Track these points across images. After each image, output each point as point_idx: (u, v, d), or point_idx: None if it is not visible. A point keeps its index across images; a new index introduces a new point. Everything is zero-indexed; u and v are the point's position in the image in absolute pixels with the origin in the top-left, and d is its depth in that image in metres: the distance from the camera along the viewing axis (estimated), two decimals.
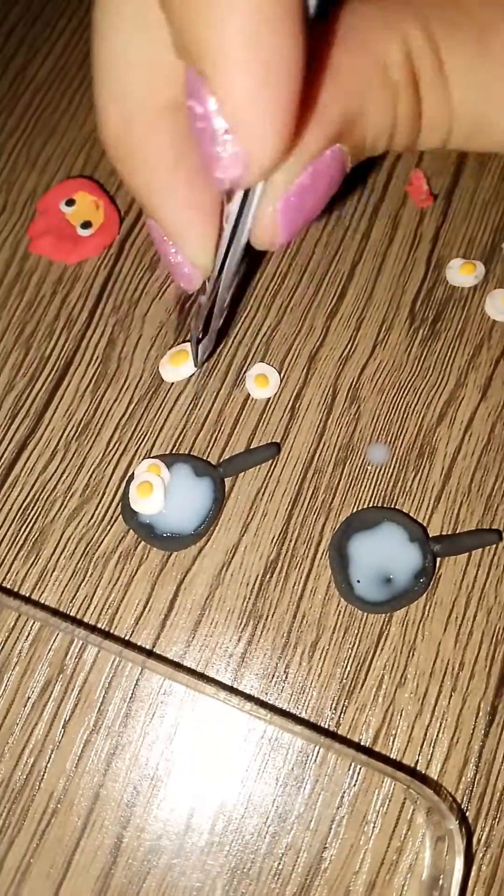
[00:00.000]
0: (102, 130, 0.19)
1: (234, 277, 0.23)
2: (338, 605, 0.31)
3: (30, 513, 0.32)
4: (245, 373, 0.34)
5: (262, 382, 0.34)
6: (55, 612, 0.31)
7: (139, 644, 0.31)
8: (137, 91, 0.18)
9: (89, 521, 0.32)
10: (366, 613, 0.31)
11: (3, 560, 0.32)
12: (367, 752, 0.29)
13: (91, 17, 0.18)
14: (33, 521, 0.32)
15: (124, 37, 0.17)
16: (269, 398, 0.34)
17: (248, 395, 0.34)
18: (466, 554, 0.32)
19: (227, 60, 0.14)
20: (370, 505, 0.33)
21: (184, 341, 0.35)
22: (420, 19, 0.18)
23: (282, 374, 0.34)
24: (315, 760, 0.29)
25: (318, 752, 0.29)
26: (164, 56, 0.17)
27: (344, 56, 0.18)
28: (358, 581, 0.31)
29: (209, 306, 0.26)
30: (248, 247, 0.21)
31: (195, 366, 0.33)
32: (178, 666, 0.30)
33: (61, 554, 0.32)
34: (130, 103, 0.18)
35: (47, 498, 0.33)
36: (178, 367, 0.34)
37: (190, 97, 0.16)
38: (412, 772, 0.29)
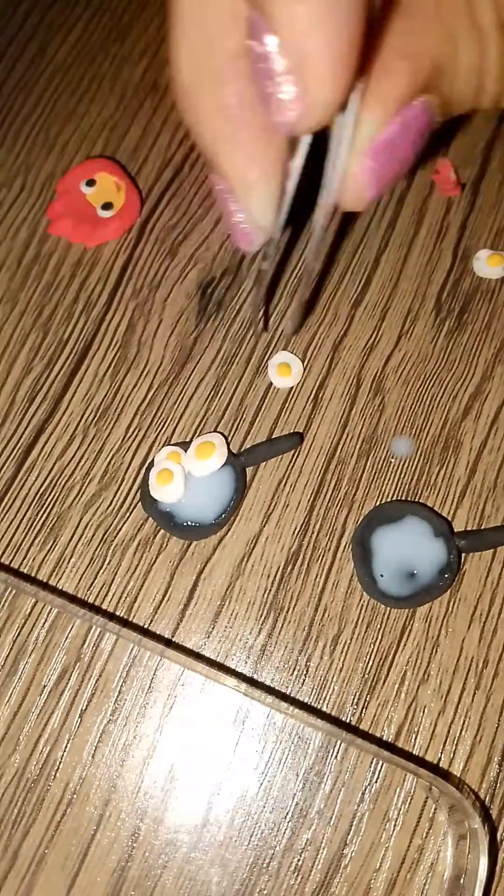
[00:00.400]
0: (175, 77, 0.19)
1: (321, 244, 0.23)
2: (360, 600, 0.30)
3: (47, 498, 0.32)
4: (268, 361, 0.34)
5: (284, 371, 0.33)
6: (73, 599, 0.30)
7: (158, 633, 0.30)
8: (215, 35, 0.18)
9: (107, 508, 0.32)
10: (389, 608, 0.30)
11: (21, 545, 0.31)
12: (390, 748, 0.29)
13: None
14: (51, 506, 0.32)
15: (201, 8, 0.17)
16: (292, 387, 0.34)
17: (271, 383, 0.34)
18: (492, 550, 0.31)
19: (288, 5, 0.14)
20: (394, 498, 0.32)
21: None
22: None
23: (305, 364, 0.34)
24: (336, 756, 0.28)
25: (339, 748, 0.28)
26: (237, 6, 0.17)
27: (430, 1, 0.18)
28: (381, 575, 0.30)
29: (271, 273, 0.25)
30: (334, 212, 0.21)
31: (264, 330, 0.32)
32: (197, 656, 0.30)
33: (79, 540, 0.31)
34: (203, 48, 0.18)
35: (65, 483, 0.32)
36: (205, 460, 0.32)
37: (251, 37, 0.16)
38: (435, 769, 0.28)
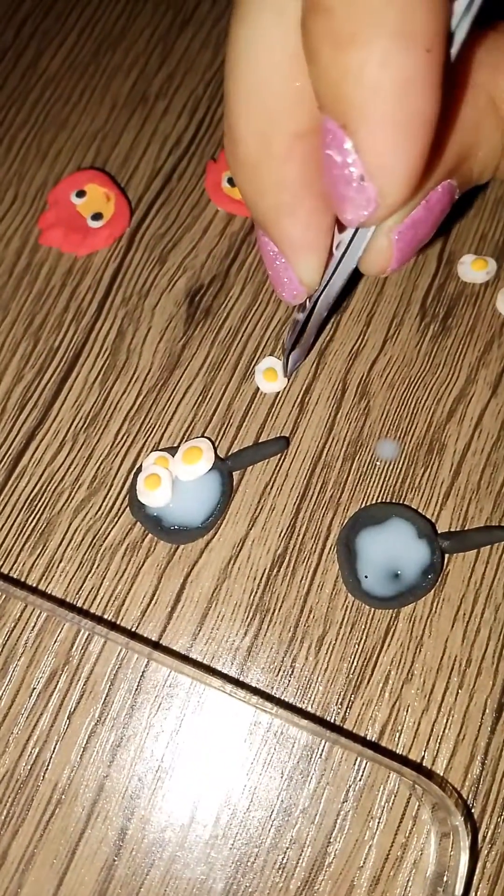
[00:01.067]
0: (236, 149, 0.20)
1: (335, 298, 0.25)
2: (345, 601, 0.31)
3: (37, 504, 0.32)
4: (254, 366, 0.34)
5: (271, 376, 0.34)
6: (61, 603, 0.31)
7: (145, 636, 0.31)
8: (279, 117, 0.19)
9: (96, 513, 0.32)
10: (373, 609, 0.31)
11: (11, 550, 0.32)
12: (373, 747, 0.29)
13: (230, 33, 0.18)
14: (40, 512, 0.32)
15: (270, 64, 0.18)
16: (279, 392, 0.34)
17: (258, 389, 0.34)
18: (475, 551, 0.31)
19: (369, 116, 0.15)
20: (379, 500, 0.32)
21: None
22: None
23: None
24: (321, 755, 0.29)
25: (323, 747, 0.29)
26: (306, 82, 0.18)
27: (458, 97, 0.19)
28: (365, 576, 0.31)
29: (303, 322, 0.27)
30: (353, 272, 0.23)
31: (285, 375, 0.34)
32: (184, 658, 0.30)
33: (68, 545, 0.32)
34: (271, 127, 0.19)
35: (55, 489, 0.33)
36: (192, 465, 0.32)
37: (327, 146, 0.17)
38: (418, 767, 0.29)
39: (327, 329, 0.35)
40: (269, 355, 0.35)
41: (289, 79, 0.18)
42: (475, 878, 0.27)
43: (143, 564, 0.31)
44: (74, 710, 0.29)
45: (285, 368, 0.33)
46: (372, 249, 0.21)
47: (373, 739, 0.29)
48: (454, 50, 0.17)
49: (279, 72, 0.18)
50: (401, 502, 0.32)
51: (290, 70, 0.18)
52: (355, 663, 0.30)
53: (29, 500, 0.32)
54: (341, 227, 0.21)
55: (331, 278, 0.23)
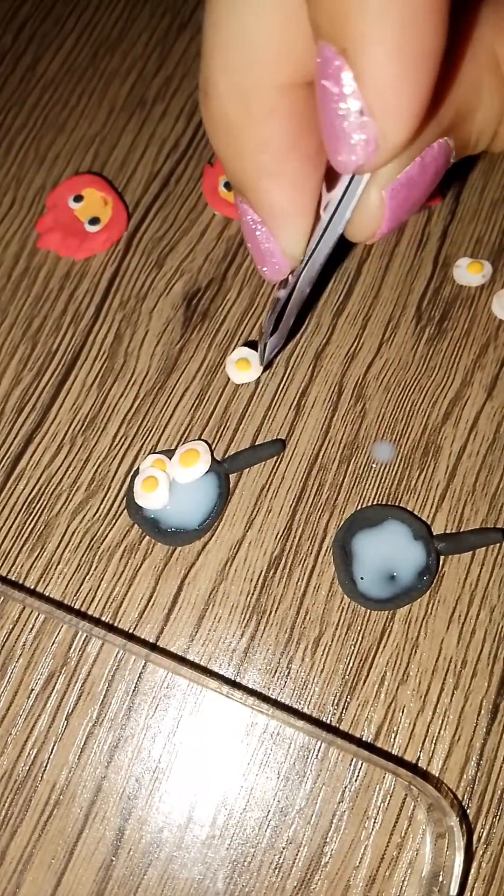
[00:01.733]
0: (211, 106, 0.18)
1: (319, 272, 0.22)
2: (341, 602, 0.31)
3: (35, 506, 0.33)
4: (226, 358, 0.35)
5: (244, 366, 0.34)
6: (59, 605, 0.31)
7: (143, 638, 0.31)
8: (259, 66, 0.17)
9: (94, 515, 0.32)
10: (369, 610, 0.31)
11: (9, 552, 0.32)
12: (369, 747, 0.29)
13: None
14: (38, 514, 0.32)
15: (255, 7, 0.16)
16: (256, 384, 0.34)
17: (255, 390, 0.34)
18: (470, 552, 0.32)
19: (373, 40, 0.14)
20: (374, 503, 0.33)
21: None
22: None
23: (288, 371, 0.35)
24: (317, 755, 0.29)
25: (319, 748, 0.29)
26: (293, 29, 0.16)
27: (459, 53, 0.18)
28: (361, 578, 0.31)
29: (285, 301, 0.25)
30: (338, 241, 0.21)
31: (261, 364, 0.32)
32: (181, 660, 0.30)
33: (66, 547, 0.32)
34: (250, 79, 0.17)
35: (53, 491, 0.33)
36: (189, 467, 0.32)
37: (323, 76, 0.15)
38: (414, 768, 0.29)
39: (324, 331, 0.35)
40: (242, 345, 0.35)
41: (275, 23, 0.16)
42: (470, 878, 0.28)
43: (140, 566, 0.32)
44: (72, 711, 0.29)
45: (261, 356, 0.31)
46: (362, 209, 0.19)
47: (369, 740, 0.29)
48: None
49: (265, 15, 0.16)
50: (396, 504, 0.33)
51: (278, 12, 0.16)
52: (351, 664, 0.30)
53: (27, 503, 0.33)
54: (330, 185, 0.19)
55: (316, 247, 0.21)
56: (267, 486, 0.33)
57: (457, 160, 0.20)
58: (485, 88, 0.19)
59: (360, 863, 0.28)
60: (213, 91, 0.18)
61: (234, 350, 0.34)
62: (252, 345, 0.35)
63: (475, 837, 0.28)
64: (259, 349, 0.31)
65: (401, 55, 0.14)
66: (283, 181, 0.19)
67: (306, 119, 0.18)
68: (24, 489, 0.33)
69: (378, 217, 0.19)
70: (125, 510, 0.32)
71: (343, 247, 0.21)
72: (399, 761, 0.29)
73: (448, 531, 0.32)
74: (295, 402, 0.34)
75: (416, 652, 0.30)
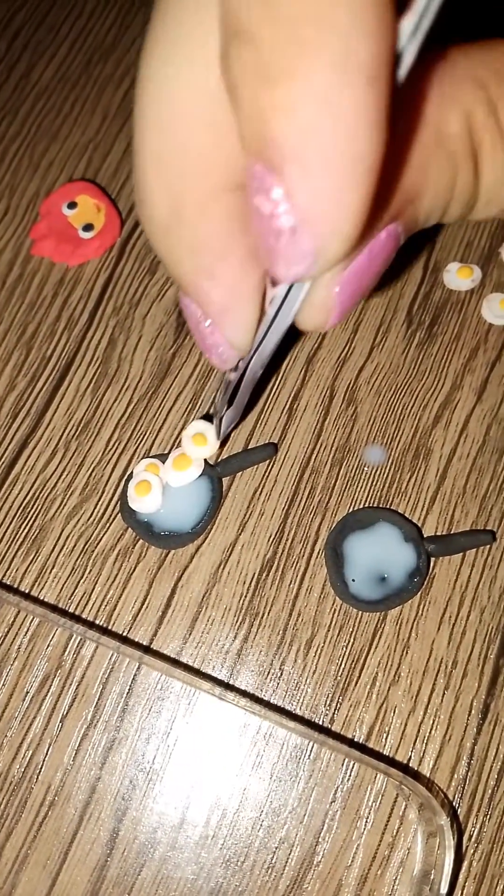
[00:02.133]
0: (146, 209, 0.18)
1: (271, 355, 0.22)
2: (333, 604, 0.31)
3: (30, 510, 0.33)
4: (181, 433, 0.33)
5: (200, 441, 0.32)
6: (54, 608, 0.31)
7: (137, 640, 0.31)
8: (191, 173, 0.17)
9: (88, 519, 0.33)
10: (360, 612, 0.31)
11: (4, 557, 0.32)
12: (361, 748, 0.30)
13: (139, 72, 0.16)
14: (33, 518, 0.33)
15: (185, 109, 0.16)
16: (212, 454, 0.33)
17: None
18: (460, 554, 0.32)
19: (302, 159, 0.14)
20: (366, 505, 0.33)
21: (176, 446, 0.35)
22: (480, 90, 0.17)
23: (279, 376, 0.35)
24: (309, 756, 0.29)
25: (312, 748, 0.29)
26: (224, 138, 0.16)
27: (403, 132, 0.17)
28: (353, 580, 0.31)
29: (237, 382, 0.25)
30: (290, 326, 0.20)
31: (217, 439, 0.31)
32: (174, 662, 0.31)
33: (60, 551, 0.32)
34: (181, 185, 0.17)
35: (47, 496, 0.33)
36: (182, 471, 0.32)
37: (254, 193, 0.15)
38: (405, 768, 0.29)
39: (315, 336, 0.36)
40: (199, 418, 0.34)
41: (206, 125, 0.16)
42: (460, 876, 0.28)
43: (134, 569, 0.32)
44: (67, 713, 0.30)
45: (218, 431, 0.31)
46: (310, 304, 0.19)
47: (360, 741, 0.30)
48: (401, 75, 0.15)
49: (195, 118, 0.16)
50: (388, 507, 0.33)
51: (208, 115, 0.16)
52: (343, 666, 0.31)
53: (22, 507, 0.33)
54: (275, 281, 0.18)
55: (265, 337, 0.21)
56: (259, 489, 0.33)
57: (408, 238, 0.20)
58: (432, 170, 0.18)
59: (351, 862, 0.28)
60: (146, 196, 0.18)
61: (190, 424, 0.33)
62: (208, 418, 0.34)
63: (465, 836, 0.29)
64: (215, 424, 0.30)
65: (334, 174, 0.14)
66: (222, 280, 0.19)
67: (242, 220, 0.18)
68: (18, 494, 0.33)
69: (327, 310, 0.19)
70: (119, 514, 0.33)
71: (295, 330, 0.21)
72: (390, 761, 0.29)
73: (438, 533, 0.32)
74: (287, 406, 0.34)
75: (407, 653, 0.31)
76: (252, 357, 0.22)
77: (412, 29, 0.14)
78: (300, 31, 0.13)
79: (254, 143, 0.14)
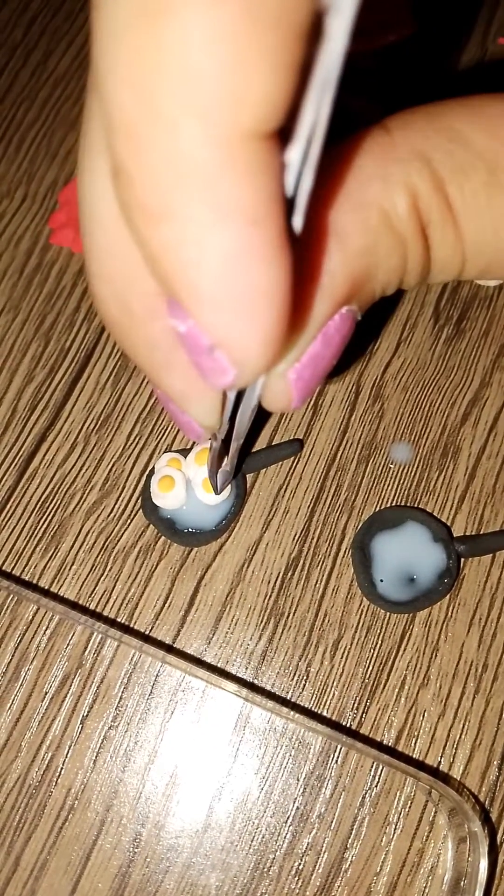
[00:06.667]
0: (98, 307, 0.18)
1: (249, 424, 0.22)
2: (360, 605, 0.31)
3: (49, 505, 0.32)
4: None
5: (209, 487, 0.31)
6: (74, 606, 0.31)
7: (159, 639, 0.30)
8: (134, 277, 0.16)
9: (109, 515, 0.32)
10: (388, 613, 0.31)
11: (22, 552, 0.31)
12: (390, 752, 0.29)
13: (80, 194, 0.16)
14: (52, 513, 0.32)
15: (114, 221, 0.15)
16: (222, 503, 0.32)
17: None
18: (490, 555, 0.31)
19: (202, 300, 0.14)
20: (393, 504, 0.32)
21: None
22: (425, 165, 0.17)
23: None
24: (336, 760, 0.28)
25: (339, 752, 0.29)
26: None
27: (347, 216, 0.17)
28: (381, 580, 0.30)
29: (221, 446, 0.26)
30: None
31: (217, 493, 0.31)
32: (198, 662, 0.30)
33: (80, 547, 0.31)
34: (128, 288, 0.17)
35: (66, 491, 0.32)
36: (205, 466, 0.31)
37: (170, 315, 0.15)
38: (435, 772, 0.29)
39: None
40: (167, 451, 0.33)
41: (131, 243, 0.16)
42: (494, 883, 0.27)
43: (156, 567, 0.31)
44: (88, 714, 0.29)
45: (215, 487, 0.30)
46: (270, 391, 0.19)
47: (389, 744, 0.29)
48: (302, 203, 0.14)
49: (120, 238, 0.16)
50: (416, 506, 0.32)
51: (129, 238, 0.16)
52: (371, 668, 0.30)
53: (41, 502, 0.32)
54: None
55: (235, 413, 0.21)
56: (284, 486, 0.32)
57: (364, 312, 0.19)
58: (381, 251, 0.18)
59: (380, 869, 0.27)
60: (96, 295, 0.18)
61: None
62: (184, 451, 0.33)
63: (498, 841, 0.28)
64: (212, 482, 0.30)
65: (231, 307, 0.14)
66: (179, 372, 0.18)
67: None
68: (37, 488, 0.32)
69: (286, 396, 0.19)
70: (140, 510, 0.32)
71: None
72: (420, 766, 0.29)
73: (468, 533, 0.32)
74: (312, 402, 0.34)
75: (436, 655, 0.30)
76: (231, 429, 0.22)
77: (301, 156, 0.14)
78: (170, 172, 0.12)
79: (154, 275, 0.14)
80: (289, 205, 0.14)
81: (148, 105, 0.12)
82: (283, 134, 0.13)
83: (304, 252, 0.16)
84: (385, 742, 0.29)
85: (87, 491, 0.32)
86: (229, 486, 0.31)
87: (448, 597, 0.31)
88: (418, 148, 0.17)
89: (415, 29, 0.22)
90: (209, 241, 0.13)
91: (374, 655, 0.30)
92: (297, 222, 0.15)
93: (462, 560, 0.31)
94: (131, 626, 0.30)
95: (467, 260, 0.19)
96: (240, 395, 0.20)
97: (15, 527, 0.32)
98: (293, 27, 0.12)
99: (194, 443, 0.33)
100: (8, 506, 0.32)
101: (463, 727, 0.29)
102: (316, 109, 0.13)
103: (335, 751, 0.29)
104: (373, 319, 0.35)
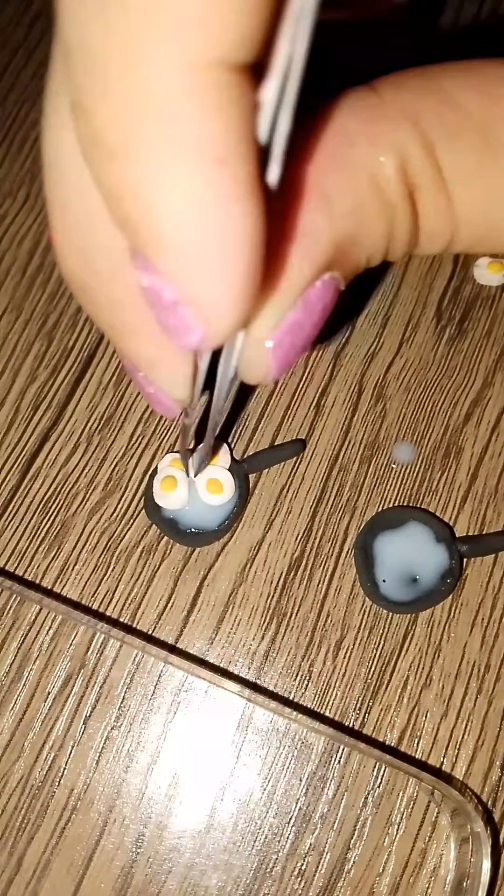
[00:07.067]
0: (62, 267, 0.17)
1: (226, 400, 0.21)
2: (363, 605, 0.31)
3: (51, 505, 0.32)
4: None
5: (214, 488, 0.31)
6: (77, 606, 0.31)
7: (162, 640, 0.30)
8: (98, 232, 0.16)
9: (111, 515, 0.32)
10: (391, 613, 0.31)
11: (25, 552, 0.31)
12: (392, 752, 0.29)
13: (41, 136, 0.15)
14: (55, 513, 0.32)
15: (79, 174, 0.15)
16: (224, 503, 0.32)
17: (272, 391, 0.34)
18: (493, 555, 0.31)
19: (167, 247, 0.13)
20: (395, 504, 0.32)
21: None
22: (414, 127, 0.16)
23: (307, 370, 0.34)
24: (339, 760, 0.28)
25: (342, 752, 0.29)
26: None
27: (332, 176, 0.16)
28: (383, 580, 0.30)
29: (193, 424, 0.25)
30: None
31: (194, 476, 0.31)
32: (200, 662, 0.30)
33: (83, 547, 0.31)
34: (90, 243, 0.16)
35: (69, 491, 0.32)
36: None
37: (135, 265, 0.14)
38: (437, 773, 0.29)
39: (343, 331, 0.35)
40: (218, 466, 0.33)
41: (96, 196, 0.15)
42: (497, 884, 0.27)
43: (158, 567, 0.31)
44: (90, 714, 0.29)
45: (187, 468, 0.30)
46: (244, 360, 0.18)
47: (391, 745, 0.29)
48: (278, 150, 0.14)
49: (89, 182, 0.15)
50: (418, 506, 0.32)
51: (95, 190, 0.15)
52: (373, 668, 0.30)
53: (43, 502, 0.32)
54: None
55: (206, 388, 0.20)
56: (287, 486, 0.32)
57: (349, 282, 0.18)
58: (367, 215, 0.17)
59: (383, 869, 0.27)
60: (60, 253, 0.17)
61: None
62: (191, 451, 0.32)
63: (501, 842, 0.28)
64: (184, 462, 0.30)
65: (198, 255, 0.13)
66: (145, 337, 0.18)
67: None
68: (40, 488, 0.32)
69: (264, 366, 0.18)
70: (142, 510, 0.32)
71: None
72: (422, 766, 0.29)
73: (470, 533, 0.32)
74: (314, 402, 0.34)
75: (438, 656, 0.30)
76: (209, 405, 0.21)
77: (277, 95, 0.13)
78: (127, 104, 0.12)
79: (117, 221, 0.13)
80: (265, 150, 0.13)
81: (109, 28, 0.11)
82: (258, 72, 0.13)
83: (283, 207, 0.16)
84: (388, 742, 0.29)
85: (89, 491, 0.32)
86: (233, 485, 0.31)
87: (450, 597, 0.31)
88: (408, 109, 0.16)
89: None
90: (171, 179, 0.12)
91: (377, 656, 0.30)
92: (274, 171, 0.14)
93: (464, 560, 0.31)
94: (134, 626, 0.30)
95: (457, 229, 0.18)
96: (214, 366, 0.19)
97: (18, 527, 0.32)
98: None
99: (197, 443, 0.33)
100: (11, 506, 0.32)
101: (465, 728, 0.29)
102: (291, 43, 0.12)
103: (338, 751, 0.29)
104: (375, 318, 0.35)
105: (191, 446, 0.28)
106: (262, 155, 0.13)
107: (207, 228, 0.13)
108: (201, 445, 0.29)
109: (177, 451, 0.32)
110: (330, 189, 0.16)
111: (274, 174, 0.14)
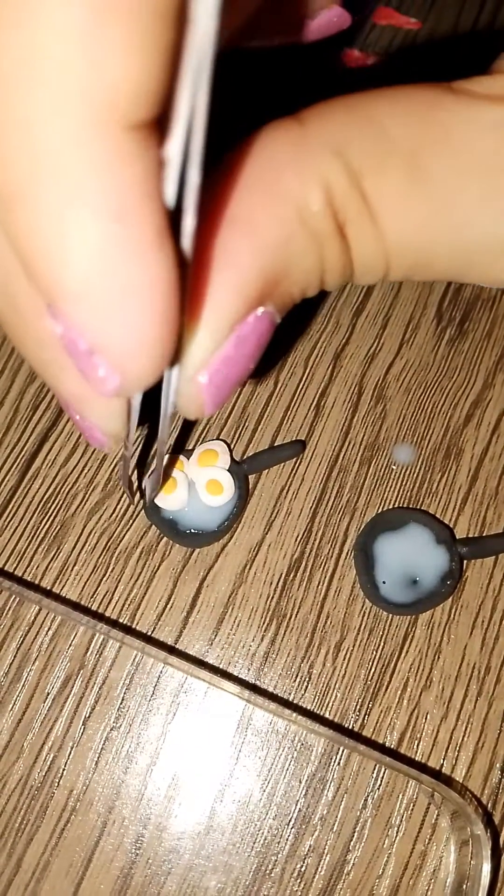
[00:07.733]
0: None
1: (170, 429, 0.21)
2: (362, 606, 0.31)
3: (51, 506, 0.32)
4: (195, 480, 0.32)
5: (214, 489, 0.31)
6: (76, 607, 0.30)
7: (161, 640, 0.30)
8: (18, 277, 0.15)
9: (111, 516, 0.32)
10: (391, 615, 0.31)
11: (24, 553, 0.31)
12: (392, 754, 0.29)
13: None
14: (54, 514, 0.32)
15: None
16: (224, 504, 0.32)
17: (272, 391, 0.34)
18: (493, 557, 0.31)
19: (73, 297, 0.13)
20: (396, 505, 0.32)
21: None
22: (339, 158, 0.16)
23: (307, 371, 0.34)
24: (339, 762, 0.28)
25: (342, 754, 0.29)
26: None
27: (258, 210, 0.16)
28: (383, 582, 0.30)
29: (134, 457, 0.25)
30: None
31: (146, 505, 0.31)
32: (200, 663, 0.30)
33: (83, 548, 0.31)
34: (10, 282, 0.16)
35: (69, 491, 0.32)
36: (207, 468, 0.31)
37: (49, 314, 0.14)
38: (437, 775, 0.29)
39: (344, 331, 0.35)
40: (215, 440, 0.33)
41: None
42: (497, 886, 0.27)
43: (158, 568, 0.31)
44: (90, 715, 0.29)
45: (131, 498, 0.30)
46: (180, 394, 0.17)
47: (391, 747, 0.29)
48: (191, 202, 0.13)
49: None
50: (418, 507, 0.32)
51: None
52: (373, 670, 0.30)
53: (42, 502, 0.32)
54: None
55: (147, 420, 0.19)
56: (286, 487, 0.32)
57: (285, 314, 0.18)
58: (296, 247, 0.16)
59: (383, 871, 0.27)
60: None
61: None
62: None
63: (501, 844, 0.28)
64: (126, 490, 0.30)
65: (103, 307, 0.13)
66: (72, 372, 0.17)
67: None
68: (39, 488, 0.32)
69: (198, 401, 0.17)
70: (142, 511, 0.32)
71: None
72: (422, 768, 0.29)
73: (471, 535, 0.32)
74: (314, 403, 0.34)
75: (438, 658, 0.30)
76: (131, 436, 0.21)
77: (181, 149, 0.13)
78: (17, 155, 0.11)
79: (24, 269, 0.13)
80: (177, 204, 0.13)
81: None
82: (161, 129, 0.12)
83: (207, 239, 0.16)
84: (387, 744, 0.29)
85: (89, 491, 0.32)
86: (233, 486, 0.31)
87: (450, 599, 0.31)
88: (333, 140, 0.16)
89: (351, 21, 0.21)
90: (68, 232, 0.12)
91: (377, 657, 0.30)
92: (189, 222, 0.14)
93: (464, 562, 0.31)
94: (133, 627, 0.30)
95: (391, 259, 0.17)
96: (148, 399, 0.18)
97: (17, 527, 0.32)
98: (149, 7, 0.11)
99: (196, 444, 0.33)
100: (10, 506, 0.32)
101: (465, 730, 0.29)
102: (192, 98, 0.12)
103: (337, 753, 0.29)
104: (375, 319, 0.35)
105: (133, 476, 0.28)
106: (176, 206, 0.13)
107: (110, 280, 0.13)
108: (152, 472, 0.28)
109: (176, 453, 0.32)
110: (255, 219, 0.16)
111: (189, 224, 0.14)
